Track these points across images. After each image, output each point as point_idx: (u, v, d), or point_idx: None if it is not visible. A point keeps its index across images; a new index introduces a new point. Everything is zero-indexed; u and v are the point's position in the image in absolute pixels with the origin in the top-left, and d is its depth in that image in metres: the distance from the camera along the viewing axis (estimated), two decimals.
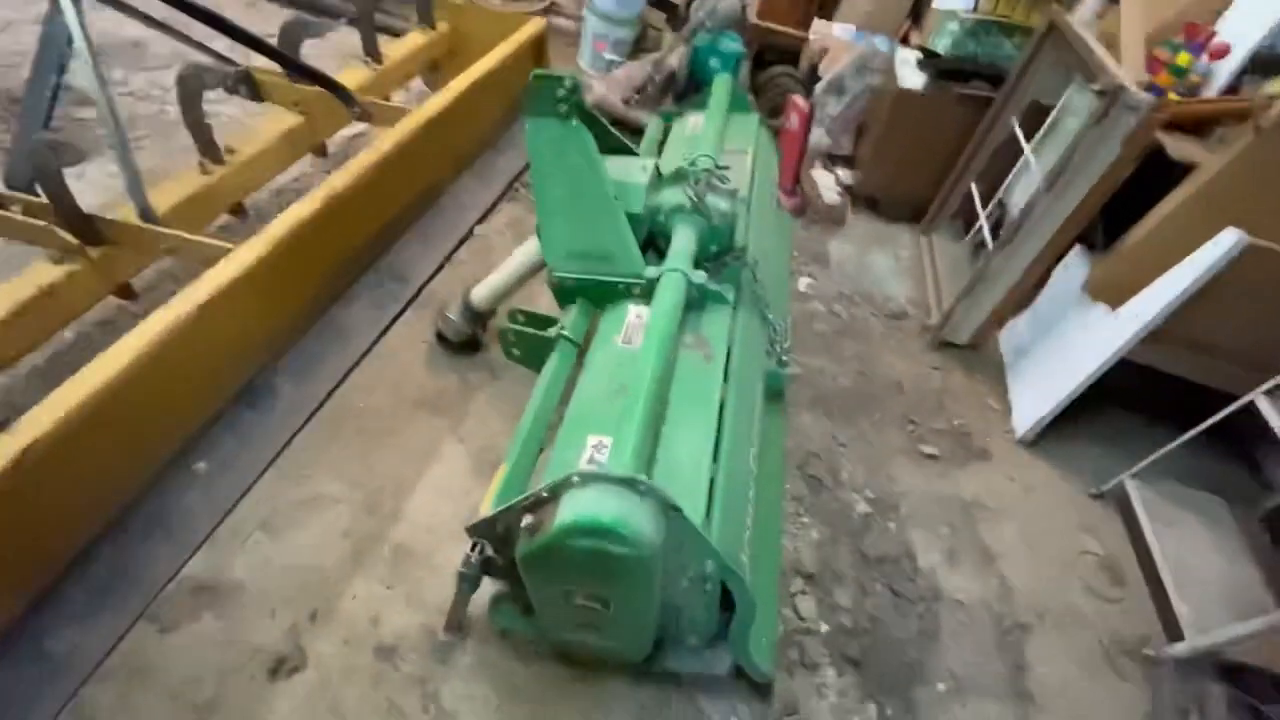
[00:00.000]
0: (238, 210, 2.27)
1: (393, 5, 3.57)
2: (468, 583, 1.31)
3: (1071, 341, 2.29)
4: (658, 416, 1.29)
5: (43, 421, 1.21)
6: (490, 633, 1.56)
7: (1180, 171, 2.02)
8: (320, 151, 2.59)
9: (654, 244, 1.80)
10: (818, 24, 3.63)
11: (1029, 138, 2.54)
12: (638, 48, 4.07)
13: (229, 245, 1.64)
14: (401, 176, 2.16)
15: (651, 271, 1.60)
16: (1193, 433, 1.93)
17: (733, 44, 3.47)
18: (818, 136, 3.30)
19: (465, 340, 2.14)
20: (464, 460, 1.92)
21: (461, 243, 2.62)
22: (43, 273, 1.63)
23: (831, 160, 3.47)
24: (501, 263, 2.07)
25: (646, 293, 1.66)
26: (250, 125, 2.81)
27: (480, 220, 2.76)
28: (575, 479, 1.03)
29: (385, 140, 2.04)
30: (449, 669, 1.50)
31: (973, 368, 2.63)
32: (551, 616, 1.31)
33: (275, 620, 1.52)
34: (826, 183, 3.29)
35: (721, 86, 2.41)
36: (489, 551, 1.27)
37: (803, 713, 1.55)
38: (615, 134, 1.88)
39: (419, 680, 1.47)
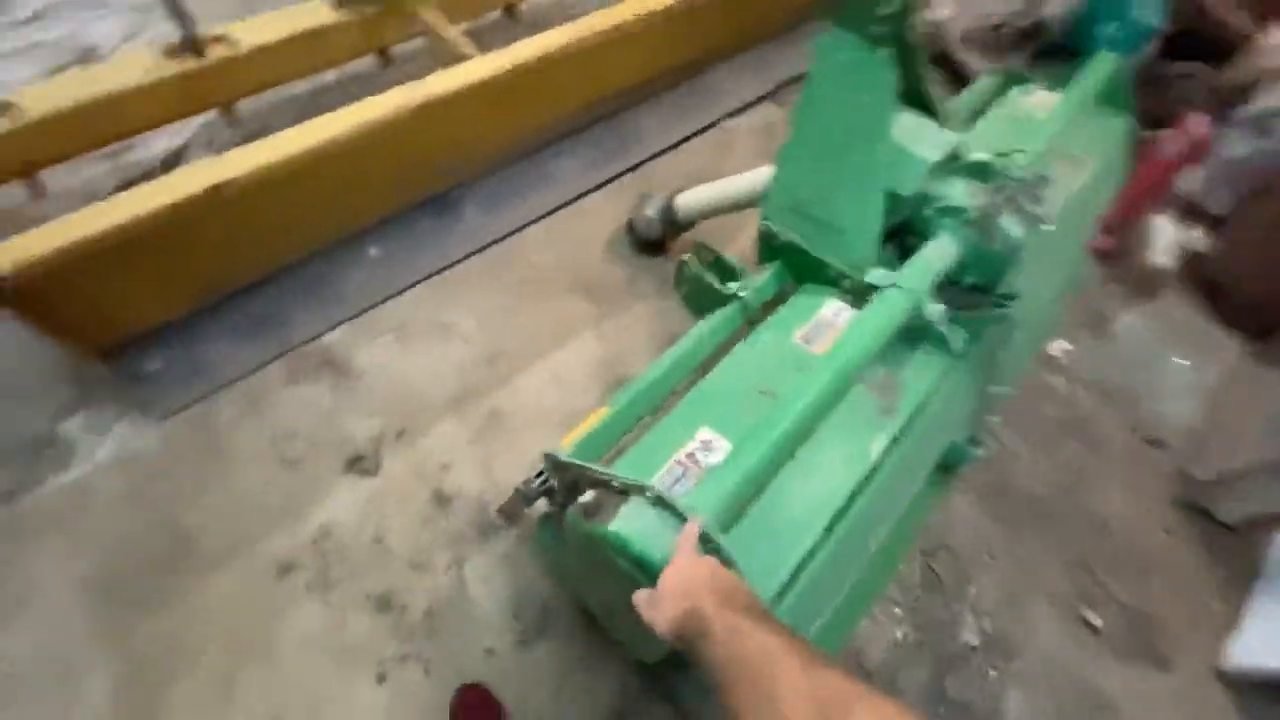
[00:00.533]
0: (510, 9, 2.18)
1: None
2: (523, 499, 1.24)
3: None
4: (788, 450, 1.05)
5: (246, 161, 1.26)
6: (526, 539, 1.54)
7: None
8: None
9: (901, 236, 1.44)
10: None
11: None
12: None
13: (472, 53, 1.55)
14: (665, 37, 1.91)
15: (876, 276, 1.26)
16: None
17: (1149, 13, 2.58)
18: (1190, 177, 2.45)
19: (651, 241, 1.96)
20: (591, 357, 1.83)
21: (702, 130, 2.36)
22: (319, 13, 1.68)
23: (1189, 214, 2.60)
24: (739, 169, 1.81)
25: (858, 293, 1.35)
26: None
27: (733, 114, 2.45)
28: (649, 494, 0.86)
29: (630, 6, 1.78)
30: (483, 546, 1.51)
31: (1215, 554, 1.98)
32: (577, 576, 1.22)
33: (370, 421, 1.60)
34: (1163, 239, 2.48)
35: (1102, 66, 1.79)
36: (552, 482, 1.18)
37: None
38: (928, 82, 1.46)
39: (455, 541, 1.50)
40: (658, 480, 1.06)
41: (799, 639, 0.59)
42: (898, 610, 1.66)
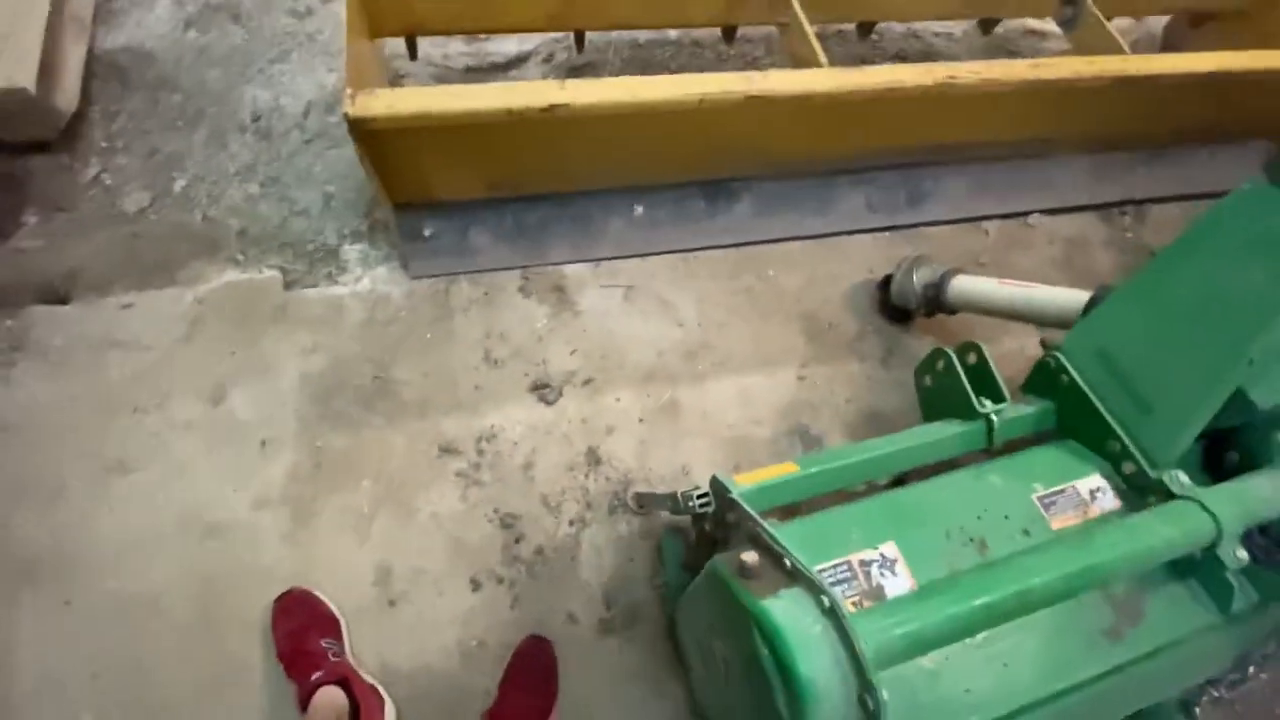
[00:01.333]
0: (865, 27, 2.07)
1: None
2: (670, 506, 1.22)
3: None
4: (975, 625, 0.89)
5: (583, 94, 1.32)
6: (656, 538, 1.52)
7: None
8: (986, 26, 2.16)
9: (1217, 445, 1.16)
10: None
11: None
12: None
13: (822, 61, 1.49)
14: (1022, 109, 1.69)
15: (1177, 481, 1.02)
16: None
17: None
18: None
19: (898, 308, 1.80)
20: (785, 394, 1.73)
21: (1008, 216, 2.10)
22: None
23: None
24: (1017, 272, 1.60)
25: (1135, 486, 1.12)
26: None
27: (1049, 212, 2.14)
28: (823, 598, 0.77)
29: (1077, 63, 1.56)
30: (608, 519, 1.52)
31: None
32: (690, 614, 1.17)
33: (569, 358, 1.67)
34: None
35: None
36: (708, 509, 1.13)
37: None
38: None
39: (589, 504, 1.53)
40: (821, 571, 0.96)
41: None
42: None
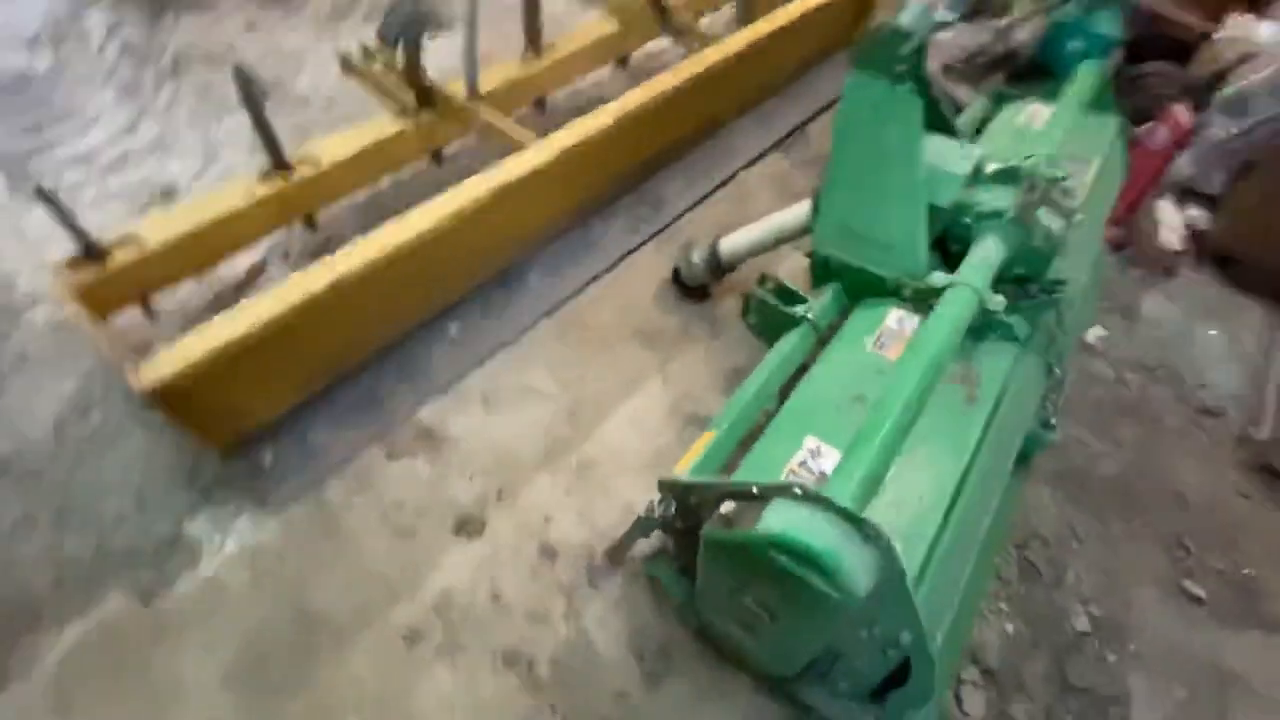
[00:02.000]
0: (539, 103, 2.40)
1: None
2: (641, 528, 1.31)
3: None
4: (895, 446, 1.13)
5: (355, 260, 1.41)
6: (636, 577, 1.58)
7: None
8: (623, 62, 2.62)
9: (942, 246, 1.56)
10: (1239, 19, 2.79)
11: None
12: (976, 9, 3.50)
13: (532, 137, 1.73)
14: (689, 106, 2.11)
15: (938, 278, 1.37)
16: None
17: (1109, 25, 2.82)
18: (1181, 162, 2.62)
19: (698, 286, 2.10)
20: (662, 401, 1.93)
21: (722, 184, 2.55)
22: (382, 126, 1.88)
23: (1184, 195, 2.75)
24: (758, 216, 1.97)
25: (919, 298, 1.46)
26: (568, 25, 2.94)
27: (746, 166, 2.65)
28: (797, 490, 0.94)
29: (686, 68, 1.99)
30: (596, 593, 1.56)
31: None
32: (710, 598, 1.27)
33: (471, 484, 1.68)
34: (1170, 221, 2.62)
35: (1087, 77, 1.97)
36: (671, 510, 1.25)
37: None
38: (944, 110, 1.62)
39: (568, 591, 1.55)
40: None
41: None
42: (1003, 606, 1.68)
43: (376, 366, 1.73)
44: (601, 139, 1.78)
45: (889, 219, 1.47)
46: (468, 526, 1.61)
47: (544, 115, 2.54)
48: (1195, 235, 2.64)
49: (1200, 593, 1.79)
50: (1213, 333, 2.47)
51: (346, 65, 2.11)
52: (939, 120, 1.62)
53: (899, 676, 1.18)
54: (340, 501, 1.63)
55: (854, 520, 0.90)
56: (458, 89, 1.93)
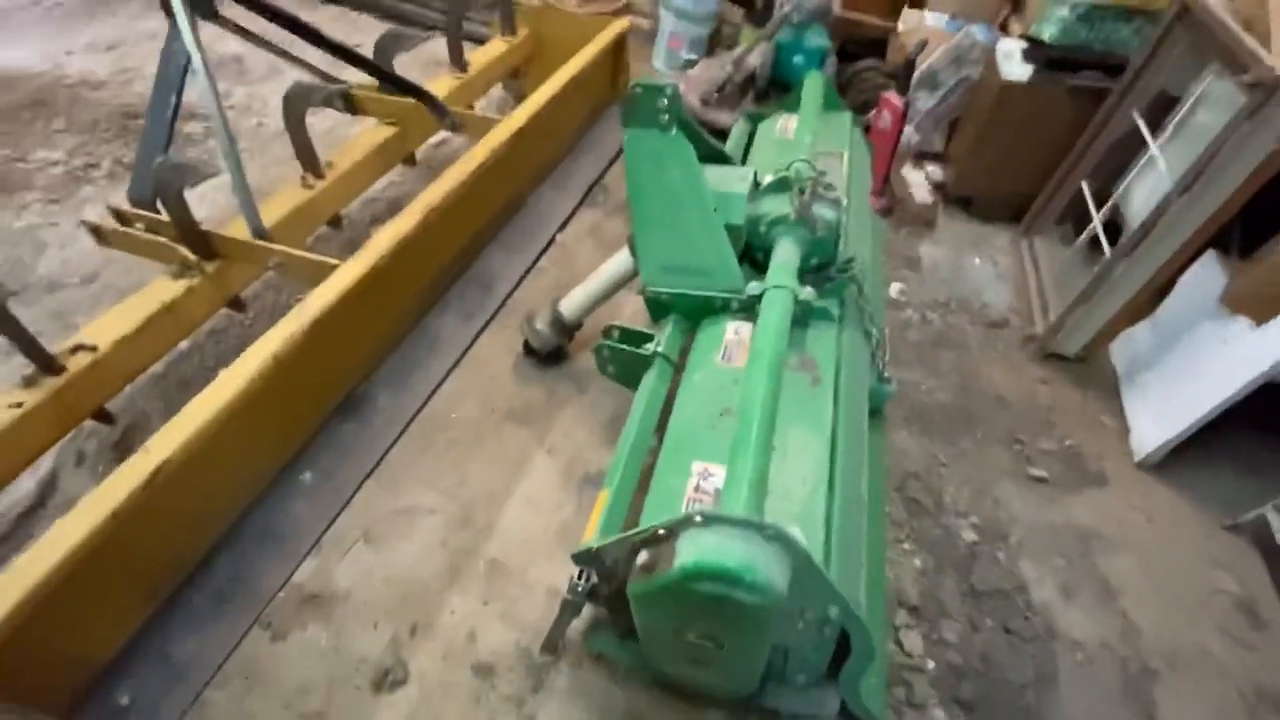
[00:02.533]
0: (335, 221, 2.33)
1: (475, 13, 3.61)
2: (571, 609, 1.29)
3: (1205, 358, 2.08)
4: (768, 445, 1.22)
5: (169, 443, 1.26)
6: (585, 655, 1.54)
7: None
8: (409, 160, 2.63)
9: (750, 256, 1.73)
10: (908, 14, 3.44)
11: (1154, 132, 2.33)
12: (713, 44, 3.98)
13: (335, 261, 1.67)
14: (490, 187, 2.17)
15: (754, 287, 1.53)
16: None
17: (818, 38, 3.35)
18: (908, 134, 3.13)
19: (552, 351, 2.13)
20: (553, 472, 1.91)
21: (544, 251, 2.62)
22: (164, 288, 1.71)
23: (920, 159, 3.29)
24: (586, 271, 2.05)
25: (745, 308, 1.60)
26: (340, 136, 2.90)
27: (560, 228, 2.75)
28: (698, 519, 0.99)
29: (478, 152, 2.05)
30: (546, 692, 1.49)
31: (1083, 382, 2.43)
32: (657, 649, 1.28)
33: (378, 632, 1.54)
34: (917, 182, 3.12)
35: (814, 84, 2.30)
36: (594, 579, 1.24)
37: None
38: (711, 141, 1.82)
39: (517, 701, 1.47)
40: None
41: None
42: (906, 545, 1.85)
43: (230, 543, 1.54)
44: (409, 243, 1.76)
45: (697, 247, 1.61)
46: (389, 678, 1.47)
47: (341, 230, 2.47)
48: (938, 188, 3.16)
49: (1042, 473, 2.10)
50: (977, 261, 2.95)
51: (100, 235, 1.91)
52: (711, 151, 1.81)
53: (843, 649, 1.26)
54: (230, 710, 1.41)
55: (754, 526, 0.96)
56: (240, 229, 1.82)
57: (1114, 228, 2.47)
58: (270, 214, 1.92)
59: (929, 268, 2.87)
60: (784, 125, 2.27)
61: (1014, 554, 1.88)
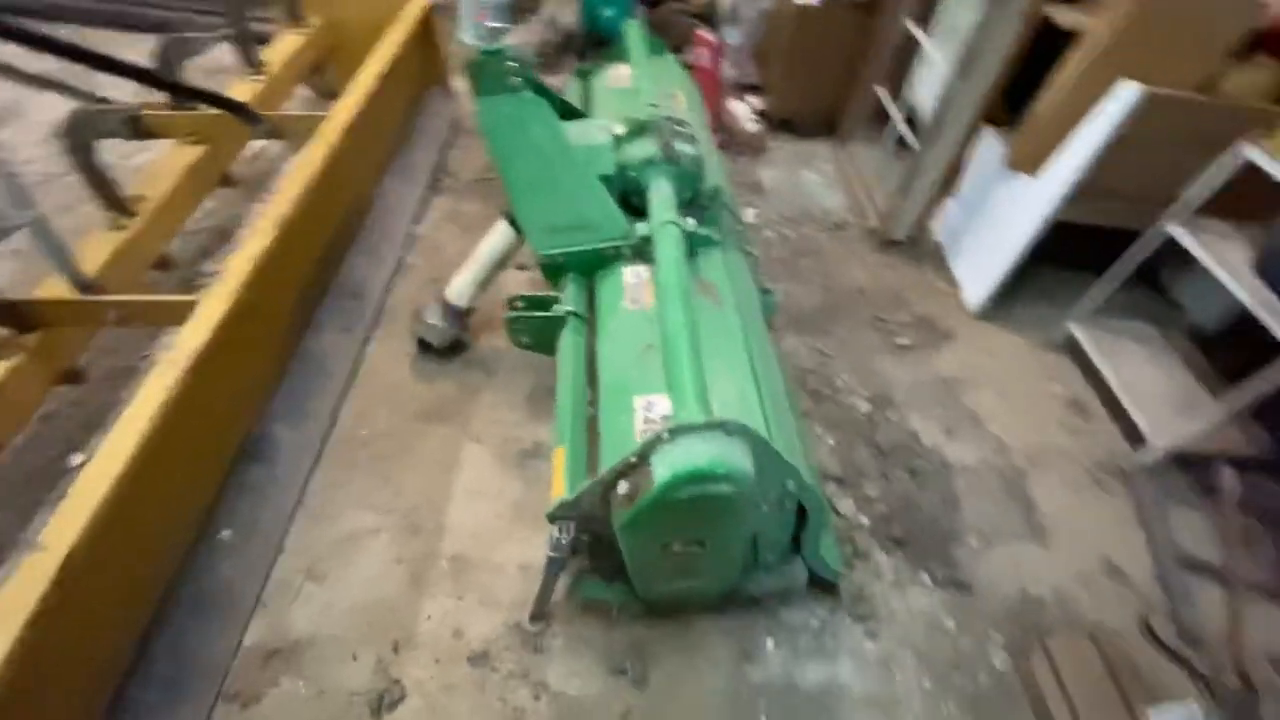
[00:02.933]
0: (162, 263, 2.07)
1: (251, 9, 3.24)
2: (557, 565, 1.33)
3: (1002, 215, 2.50)
4: (698, 359, 1.32)
5: (67, 532, 1.11)
6: (572, 612, 1.60)
7: (1066, 39, 2.20)
8: (227, 181, 2.37)
9: (626, 203, 1.80)
10: None
11: (925, 32, 2.68)
12: (519, 10, 3.92)
13: (191, 297, 1.51)
14: (335, 188, 2.03)
15: (642, 229, 1.61)
16: (1117, 272, 2.19)
17: None
18: (726, 68, 3.33)
19: (451, 342, 2.08)
20: (487, 459, 1.90)
21: (406, 247, 2.51)
22: None
23: (741, 91, 3.52)
24: (456, 259, 2.02)
25: (638, 252, 1.68)
26: (134, 168, 2.55)
27: (415, 221, 2.64)
28: (664, 436, 1.07)
29: (315, 151, 1.90)
30: (547, 655, 1.53)
31: (918, 258, 2.82)
32: (646, 573, 1.36)
33: (359, 662, 1.49)
34: (743, 113, 3.34)
35: (636, 31, 2.38)
36: (572, 532, 1.29)
37: (870, 597, 1.69)
38: (563, 99, 1.84)
39: (522, 674, 1.50)
40: None
41: None
42: (818, 429, 2.07)
43: (163, 624, 1.38)
44: (269, 262, 1.62)
45: (577, 203, 1.65)
46: (386, 698, 1.43)
47: (172, 272, 2.20)
48: (762, 115, 3.41)
49: (906, 341, 2.43)
50: (810, 175, 3.25)
51: None
52: (565, 108, 1.84)
53: (798, 526, 1.43)
54: None
55: (715, 427, 1.06)
56: (59, 289, 1.57)
57: (912, 123, 2.84)
58: (90, 264, 1.67)
59: (771, 190, 3.13)
60: (616, 75, 2.34)
61: (902, 413, 2.18)
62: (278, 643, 1.49)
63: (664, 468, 1.06)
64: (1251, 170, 1.85)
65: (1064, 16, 2.19)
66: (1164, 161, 2.05)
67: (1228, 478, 1.85)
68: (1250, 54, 2.08)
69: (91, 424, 1.82)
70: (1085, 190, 2.16)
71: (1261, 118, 1.91)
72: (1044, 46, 2.28)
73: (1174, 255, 2.05)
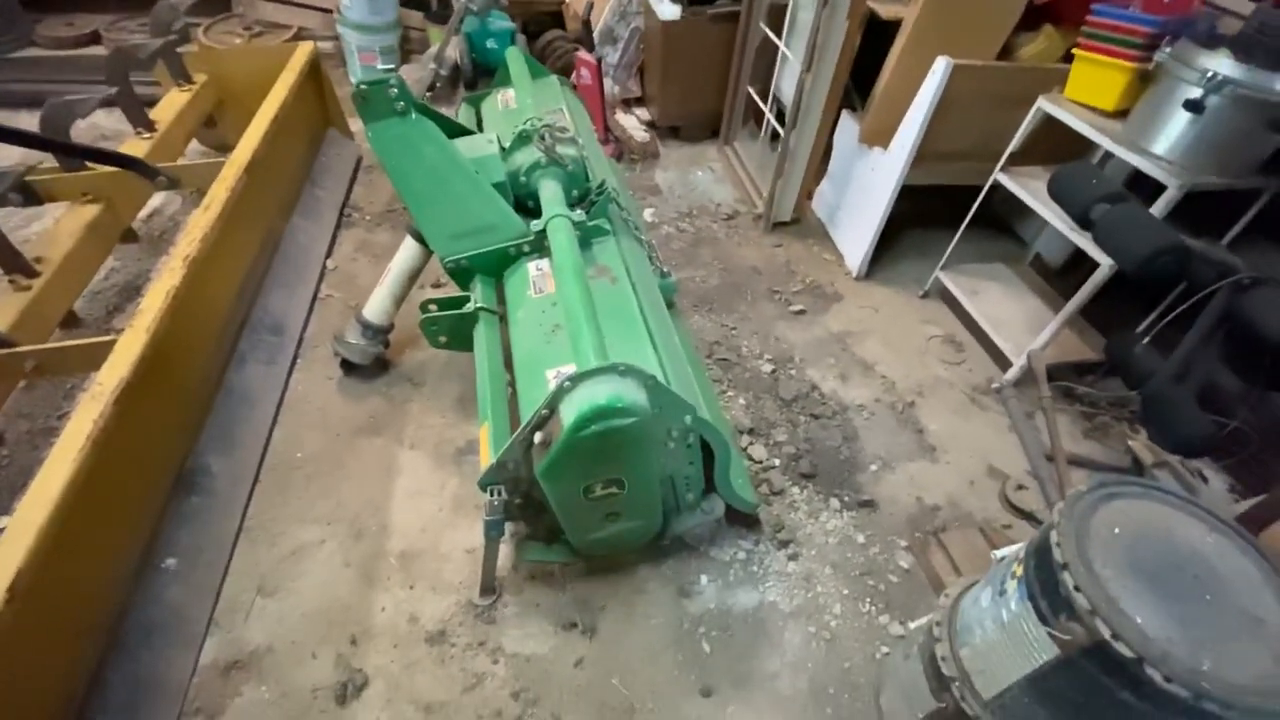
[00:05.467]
0: (69, 321, 2.07)
1: (138, 74, 3.25)
2: (494, 529, 1.45)
3: (865, 186, 2.81)
4: (596, 324, 1.48)
5: (7, 565, 1.15)
6: (520, 582, 1.71)
7: (894, 28, 2.54)
8: (129, 237, 2.39)
9: (522, 207, 1.96)
10: None
11: (778, 35, 3.00)
12: (405, 51, 4.06)
13: (108, 338, 1.56)
14: (241, 227, 2.10)
15: (537, 224, 1.77)
16: (965, 222, 2.52)
17: (502, 21, 3.62)
18: (608, 85, 3.57)
19: (373, 359, 2.17)
20: (423, 461, 2.00)
21: (320, 280, 2.59)
22: None
23: (628, 104, 3.77)
24: (371, 287, 2.12)
25: (536, 247, 1.84)
26: (24, 238, 2.53)
27: (328, 255, 2.72)
28: (566, 384, 1.22)
29: (217, 190, 1.98)
30: (500, 624, 1.64)
31: (803, 235, 3.10)
32: (577, 521, 1.50)
33: (319, 660, 1.55)
34: (632, 124, 3.59)
35: (516, 57, 2.57)
36: (504, 495, 1.42)
37: (789, 525, 1.89)
38: (449, 119, 2.00)
39: (478, 644, 1.60)
40: None
41: None
42: (729, 392, 2.28)
43: (116, 655, 1.41)
44: (183, 298, 1.69)
45: (474, 210, 1.80)
46: (350, 687, 1.50)
47: (81, 329, 2.20)
48: (649, 124, 3.67)
49: (800, 307, 2.69)
50: (700, 174, 3.52)
51: None
52: (452, 127, 1.99)
53: (710, 467, 1.61)
54: None
55: (609, 369, 1.23)
56: None
57: (783, 116, 3.14)
58: None
59: (666, 190, 3.37)
60: (503, 98, 2.51)
61: (801, 368, 2.42)
62: (235, 656, 1.54)
63: (570, 410, 1.21)
64: (1051, 120, 2.21)
65: (885, 9, 2.53)
66: (981, 122, 2.40)
67: (1034, 359, 2.19)
68: (1038, 25, 2.47)
69: (14, 485, 1.81)
70: (924, 155, 2.49)
71: (1053, 76, 2.28)
72: (877, 37, 2.61)
73: (1021, 203, 2.38)
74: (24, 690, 1.19)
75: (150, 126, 2.54)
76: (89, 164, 2.12)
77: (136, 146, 2.39)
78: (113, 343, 1.52)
